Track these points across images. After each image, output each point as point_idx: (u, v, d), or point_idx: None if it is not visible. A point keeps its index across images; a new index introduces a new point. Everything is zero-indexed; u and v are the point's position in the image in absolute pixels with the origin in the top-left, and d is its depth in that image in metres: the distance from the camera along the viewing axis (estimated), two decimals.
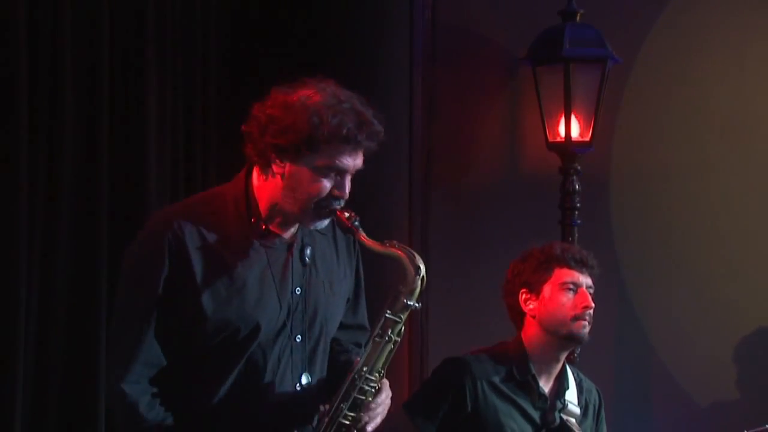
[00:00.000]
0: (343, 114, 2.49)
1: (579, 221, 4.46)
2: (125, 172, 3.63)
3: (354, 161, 2.53)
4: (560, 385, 3.33)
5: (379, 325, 2.58)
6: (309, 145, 2.48)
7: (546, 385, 3.31)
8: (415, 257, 2.57)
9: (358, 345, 2.80)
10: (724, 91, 4.72)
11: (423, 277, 2.56)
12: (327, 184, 2.52)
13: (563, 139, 4.46)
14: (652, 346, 4.69)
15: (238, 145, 2.61)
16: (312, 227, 2.61)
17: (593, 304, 3.27)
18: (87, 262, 3.50)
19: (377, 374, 2.58)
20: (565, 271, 3.27)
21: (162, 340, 2.52)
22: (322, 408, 2.58)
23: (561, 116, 4.45)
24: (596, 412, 3.44)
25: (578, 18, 4.48)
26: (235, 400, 2.55)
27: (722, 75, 4.71)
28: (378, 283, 2.87)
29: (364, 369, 2.57)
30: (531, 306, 3.29)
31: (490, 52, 4.71)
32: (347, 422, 2.57)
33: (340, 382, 2.60)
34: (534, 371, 3.28)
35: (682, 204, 4.71)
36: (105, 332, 3.45)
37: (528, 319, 3.31)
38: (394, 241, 2.60)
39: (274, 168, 2.53)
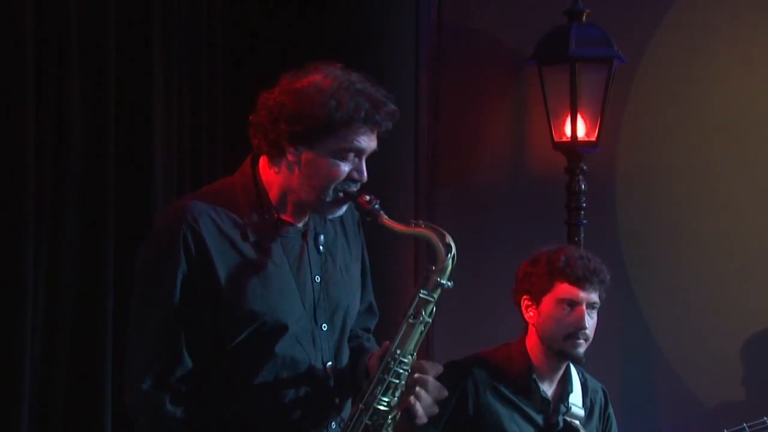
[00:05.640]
0: (359, 95, 2.44)
1: (585, 221, 4.46)
2: (132, 169, 3.63)
3: (370, 142, 2.48)
4: (564, 389, 3.31)
5: (413, 306, 2.49)
6: (327, 129, 2.42)
7: (549, 389, 3.30)
8: (444, 235, 2.50)
9: (367, 330, 2.77)
10: (730, 90, 4.71)
11: (454, 255, 2.50)
12: (345, 168, 2.46)
13: (569, 139, 4.46)
14: (658, 346, 4.68)
15: (245, 143, 2.56)
16: (330, 216, 2.54)
17: (587, 326, 3.21)
18: (93, 260, 3.51)
19: (410, 357, 2.50)
20: (565, 286, 3.21)
21: (186, 340, 2.44)
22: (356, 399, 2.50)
23: (567, 116, 4.45)
24: (602, 411, 3.42)
25: (584, 18, 4.47)
26: (267, 394, 2.48)
27: (729, 74, 4.70)
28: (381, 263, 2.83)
29: (398, 352, 2.48)
30: (531, 314, 3.27)
31: (495, 52, 4.71)
32: (383, 408, 2.49)
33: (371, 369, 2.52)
34: (535, 376, 3.27)
35: (688, 203, 4.70)
36: (111, 328, 3.46)
37: (530, 326, 3.29)
38: (420, 221, 2.54)
39: (289, 157, 2.47)
